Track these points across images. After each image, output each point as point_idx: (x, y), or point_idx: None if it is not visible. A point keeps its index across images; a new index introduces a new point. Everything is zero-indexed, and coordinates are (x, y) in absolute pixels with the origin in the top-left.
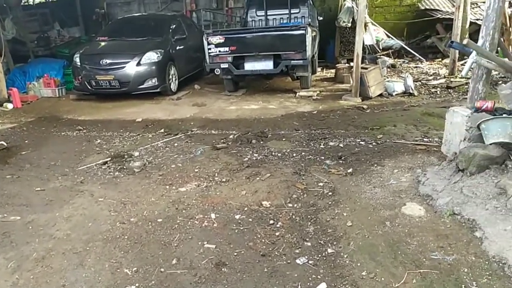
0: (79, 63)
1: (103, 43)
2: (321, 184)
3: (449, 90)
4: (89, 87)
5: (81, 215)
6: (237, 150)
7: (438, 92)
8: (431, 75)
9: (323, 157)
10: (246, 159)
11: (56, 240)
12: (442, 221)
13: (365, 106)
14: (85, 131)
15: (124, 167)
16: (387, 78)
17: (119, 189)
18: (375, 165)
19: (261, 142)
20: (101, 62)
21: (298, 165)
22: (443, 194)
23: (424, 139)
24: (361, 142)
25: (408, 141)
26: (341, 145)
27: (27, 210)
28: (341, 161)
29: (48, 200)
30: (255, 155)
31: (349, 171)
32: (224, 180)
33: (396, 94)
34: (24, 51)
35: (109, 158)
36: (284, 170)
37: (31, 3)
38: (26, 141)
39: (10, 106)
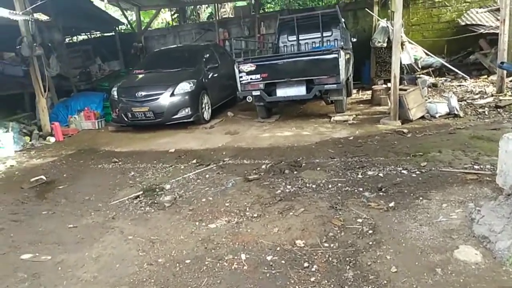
0: (116, 96)
1: (139, 76)
2: (360, 220)
3: (499, 109)
4: (125, 119)
5: (110, 255)
6: (270, 181)
7: (486, 113)
8: (477, 94)
9: (361, 189)
10: (279, 191)
11: (83, 283)
12: (504, 270)
13: (405, 130)
14: (120, 163)
15: (155, 202)
16: (428, 98)
17: (149, 225)
18: (421, 198)
19: (295, 172)
20: (136, 94)
21: (335, 198)
22: (502, 236)
23: (475, 167)
24: (403, 171)
25: (456, 169)
26: (380, 174)
27: (59, 249)
28: (381, 193)
29: (79, 238)
30: (288, 187)
31: (391, 205)
32: (255, 215)
33: (439, 116)
34: (67, 86)
35: (141, 192)
36: (319, 204)
37: (75, 40)
38: (64, 175)
39: (52, 139)
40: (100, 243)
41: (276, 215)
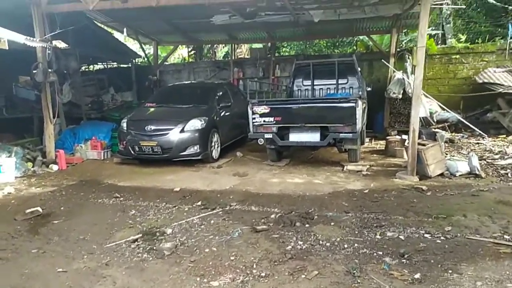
0: (125, 128)
1: (150, 109)
2: None
3: None
4: (132, 152)
5: None
6: (279, 234)
7: (510, 175)
8: (496, 154)
9: (381, 253)
10: (289, 247)
11: None
12: None
13: (424, 187)
14: (122, 199)
15: (154, 248)
16: (446, 155)
17: (144, 277)
18: (450, 271)
19: (306, 226)
20: (146, 128)
21: (351, 262)
22: None
23: (505, 236)
24: (425, 235)
25: (485, 237)
26: (401, 237)
27: None
28: (404, 261)
29: (67, 286)
30: (299, 242)
31: (416, 276)
32: (263, 274)
33: (459, 175)
34: (78, 113)
35: (140, 235)
36: (335, 267)
37: (91, 69)
38: (62, 208)
39: (55, 167)
40: None
41: (287, 276)
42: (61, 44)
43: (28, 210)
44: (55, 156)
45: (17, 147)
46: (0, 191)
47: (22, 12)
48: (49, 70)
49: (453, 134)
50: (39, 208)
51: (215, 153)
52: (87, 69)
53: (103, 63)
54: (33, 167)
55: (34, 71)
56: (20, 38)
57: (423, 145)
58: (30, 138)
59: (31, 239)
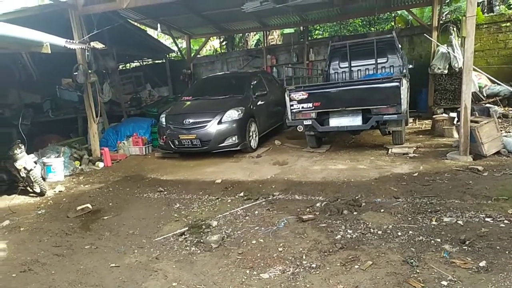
0: (164, 123)
1: (187, 103)
2: (445, 283)
3: None
4: (172, 146)
5: None
6: (327, 223)
7: None
8: None
9: (439, 240)
10: (339, 236)
11: None
12: None
13: (480, 168)
14: (165, 192)
15: (201, 241)
16: (502, 131)
17: (194, 270)
18: None
19: (355, 214)
20: (184, 122)
21: (407, 250)
22: None
23: None
24: (487, 219)
25: None
26: (460, 222)
27: None
28: (465, 247)
29: (121, 281)
30: (349, 231)
31: (481, 264)
32: (314, 265)
33: None
34: (118, 111)
35: (187, 228)
36: (390, 257)
37: (128, 67)
38: (110, 204)
39: (101, 165)
40: None
41: (339, 267)
42: (98, 45)
43: (79, 207)
44: (100, 153)
45: (64, 147)
46: (51, 190)
47: (59, 17)
48: (89, 71)
49: (506, 108)
50: (89, 205)
51: (254, 143)
52: (124, 68)
53: (139, 61)
54: (80, 165)
55: (75, 73)
56: (60, 42)
57: (476, 122)
58: (75, 138)
59: (84, 235)
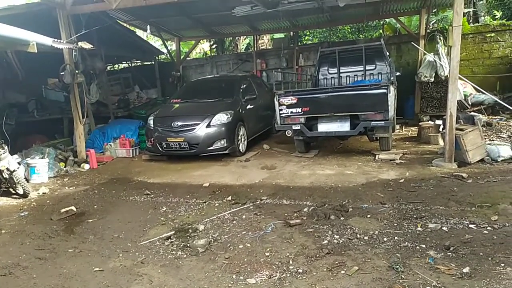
0: (152, 126)
1: (176, 106)
2: None
3: None
4: (160, 148)
5: None
6: (314, 228)
7: None
8: None
9: (424, 246)
10: (325, 241)
11: None
12: None
13: (464, 175)
14: (152, 196)
15: (188, 245)
16: (486, 139)
17: (180, 275)
18: (502, 264)
19: (341, 219)
20: (172, 124)
21: (393, 256)
22: None
23: None
24: (470, 225)
25: None
26: (444, 228)
27: None
28: (450, 254)
29: (105, 285)
30: (335, 236)
31: (465, 270)
32: (300, 270)
33: (502, 160)
34: (106, 112)
35: (173, 232)
36: (376, 262)
37: (116, 68)
38: (95, 206)
39: (86, 166)
40: None
41: (325, 272)
42: (86, 45)
43: (63, 210)
44: (86, 155)
45: (49, 148)
46: (35, 191)
47: (47, 16)
48: (76, 71)
49: (490, 117)
50: (73, 208)
51: (242, 147)
52: (112, 69)
53: (127, 62)
54: (65, 167)
55: (62, 73)
56: (48, 41)
57: (461, 130)
58: (61, 138)
59: (67, 239)
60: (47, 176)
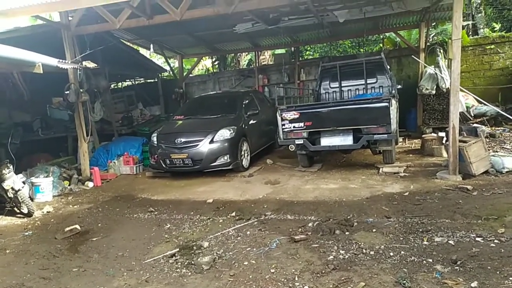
0: (156, 142)
1: (179, 122)
2: None
3: None
4: (163, 165)
5: None
6: (319, 243)
7: None
8: None
9: (430, 260)
10: (331, 257)
11: None
12: None
13: (469, 187)
14: (156, 213)
15: (192, 262)
16: (490, 151)
17: None
18: (511, 278)
19: (347, 234)
20: (176, 141)
21: (400, 271)
22: None
23: None
24: (477, 239)
25: None
26: (451, 241)
27: None
28: (457, 268)
29: None
30: (341, 252)
31: (473, 285)
32: (306, 287)
33: (507, 172)
34: (109, 130)
35: (177, 249)
36: (382, 278)
37: (119, 86)
38: (99, 224)
39: (90, 184)
40: None
41: None
42: (90, 64)
43: (67, 228)
44: (90, 173)
45: (53, 167)
46: (39, 210)
47: (52, 36)
48: (81, 90)
49: (493, 128)
50: (77, 226)
51: (245, 162)
52: (116, 87)
53: (131, 80)
54: (69, 185)
55: (66, 92)
56: (53, 62)
57: (464, 142)
58: (65, 157)
59: (72, 258)
60: (52, 194)
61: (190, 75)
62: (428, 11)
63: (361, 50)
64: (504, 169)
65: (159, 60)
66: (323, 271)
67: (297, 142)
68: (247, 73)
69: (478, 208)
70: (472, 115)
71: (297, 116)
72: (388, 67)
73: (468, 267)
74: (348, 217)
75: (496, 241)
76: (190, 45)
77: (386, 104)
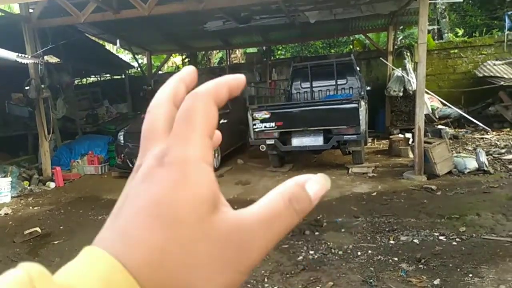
0: (122, 141)
1: None
2: None
3: None
4: (130, 165)
5: None
6: (289, 244)
7: None
8: (502, 148)
9: (396, 259)
10: (301, 257)
11: None
12: None
13: (433, 187)
14: None
15: None
16: (453, 152)
17: None
18: (470, 275)
19: (316, 234)
20: None
21: (367, 270)
22: None
23: None
24: (440, 237)
25: (502, 237)
26: (415, 240)
27: None
28: (421, 266)
29: None
30: (310, 252)
31: (435, 282)
32: None
33: (468, 172)
34: (73, 128)
35: None
36: (350, 277)
37: (84, 82)
38: (61, 227)
39: (52, 185)
40: None
41: None
42: (53, 59)
43: (27, 231)
44: (52, 173)
45: (12, 166)
46: None
47: (11, 29)
48: (42, 86)
49: (456, 130)
50: (38, 229)
51: (216, 162)
52: (80, 83)
53: (96, 76)
54: (29, 185)
55: (26, 88)
56: (11, 56)
57: (429, 143)
58: (25, 156)
59: (32, 262)
60: (10, 195)
61: (159, 72)
62: (395, 15)
63: (332, 51)
64: (466, 170)
65: (126, 56)
66: (293, 272)
67: (268, 142)
68: (218, 71)
69: (441, 207)
70: (437, 117)
71: (268, 116)
72: (358, 68)
73: (431, 265)
74: (318, 217)
75: (457, 239)
76: (159, 42)
77: (356, 105)
